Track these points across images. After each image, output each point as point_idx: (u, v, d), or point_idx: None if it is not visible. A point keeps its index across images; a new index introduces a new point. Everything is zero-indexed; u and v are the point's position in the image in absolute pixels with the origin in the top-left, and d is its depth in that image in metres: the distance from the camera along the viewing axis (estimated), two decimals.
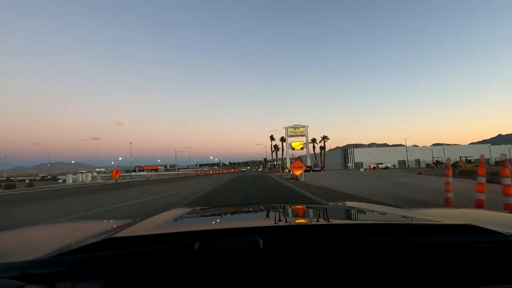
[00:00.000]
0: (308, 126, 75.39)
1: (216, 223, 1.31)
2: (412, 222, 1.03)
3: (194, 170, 65.24)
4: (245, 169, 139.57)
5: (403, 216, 1.18)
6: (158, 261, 0.71)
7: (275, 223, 1.13)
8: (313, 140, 79.27)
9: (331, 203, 1.71)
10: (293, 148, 74.37)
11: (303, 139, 75.56)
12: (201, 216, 1.44)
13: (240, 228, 0.96)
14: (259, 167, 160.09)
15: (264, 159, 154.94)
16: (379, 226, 0.94)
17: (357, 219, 1.26)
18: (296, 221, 1.26)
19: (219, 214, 1.50)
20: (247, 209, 1.75)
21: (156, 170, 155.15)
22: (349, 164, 76.05)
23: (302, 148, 74.25)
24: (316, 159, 75.98)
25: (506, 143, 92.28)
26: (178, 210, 1.51)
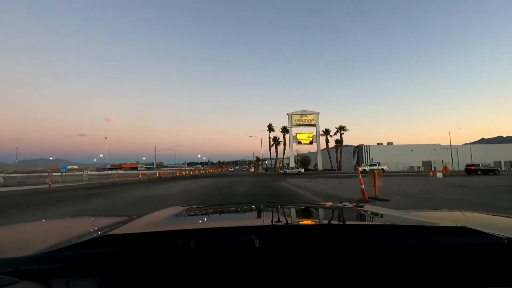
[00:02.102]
0: (319, 113, 57.07)
1: (212, 221, 1.30)
2: (407, 224, 1.04)
3: (159, 171, 44.78)
4: (233, 169, 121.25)
5: (399, 218, 1.19)
6: (153, 259, 0.71)
7: (272, 222, 1.13)
8: (326, 132, 56.08)
9: (328, 204, 1.69)
10: (299, 142, 55.89)
11: (313, 130, 57.05)
12: (198, 214, 1.42)
13: (236, 227, 0.96)
14: (250, 167, 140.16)
15: (256, 157, 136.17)
16: (375, 227, 0.96)
17: (354, 220, 1.26)
18: (292, 221, 1.25)
19: (216, 213, 1.50)
20: (243, 208, 1.74)
21: (135, 168, 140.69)
22: (363, 165, 56.91)
23: (311, 142, 55.84)
24: (330, 157, 57.91)
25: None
26: (175, 208, 1.48)
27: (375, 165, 42.50)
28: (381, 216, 1.24)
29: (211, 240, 0.73)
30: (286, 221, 1.23)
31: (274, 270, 0.70)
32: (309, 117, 55.86)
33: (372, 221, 1.20)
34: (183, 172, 51.18)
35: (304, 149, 74.14)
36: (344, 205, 1.57)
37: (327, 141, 55.71)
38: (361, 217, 1.29)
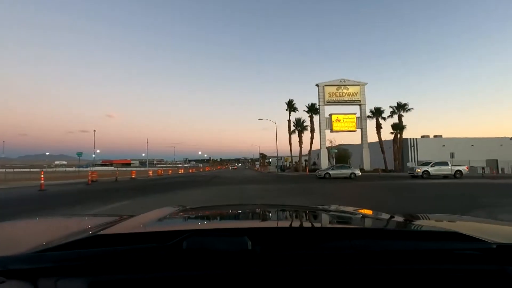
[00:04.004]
0: (366, 84, 38.01)
1: (205, 223, 1.30)
2: (398, 228, 1.08)
3: (92, 170, 25.98)
4: (236, 167, 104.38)
5: (391, 222, 1.20)
6: (144, 260, 0.70)
7: (265, 224, 1.15)
8: (377, 112, 35.69)
9: (320, 207, 1.68)
10: (333, 129, 36.93)
11: (356, 110, 37.49)
12: (190, 215, 1.42)
13: (229, 228, 0.96)
14: (253, 165, 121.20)
15: (261, 154, 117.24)
16: (367, 231, 0.98)
17: (346, 223, 1.26)
18: (286, 223, 1.26)
19: (209, 214, 1.50)
20: (237, 209, 1.72)
21: (128, 164, 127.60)
22: (409, 164, 37.50)
23: (351, 129, 37.02)
24: (383, 151, 34.89)
25: None
26: (167, 208, 1.45)
27: (446, 164, 23.33)
28: (373, 220, 1.27)
29: (204, 241, 0.72)
30: (280, 223, 1.23)
31: (267, 272, 0.70)
32: (351, 89, 36.84)
33: (364, 224, 1.20)
34: (157, 172, 32.72)
35: (341, 138, 53.89)
36: (338, 208, 1.57)
37: (378, 126, 36.52)
38: (354, 220, 1.29)
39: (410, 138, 44.65)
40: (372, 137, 37.70)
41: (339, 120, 36.57)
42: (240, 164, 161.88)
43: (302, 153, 39.81)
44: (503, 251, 0.74)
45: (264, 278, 0.69)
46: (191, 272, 0.69)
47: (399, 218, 1.24)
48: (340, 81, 36.79)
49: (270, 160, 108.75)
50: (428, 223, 1.25)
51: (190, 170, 47.53)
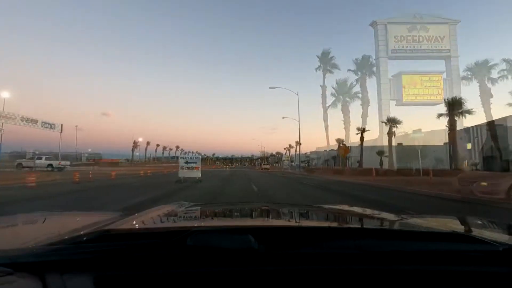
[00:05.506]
0: (458, 21, 22.96)
1: (209, 220, 1.32)
2: (404, 229, 1.09)
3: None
4: (234, 166, 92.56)
5: (396, 222, 1.21)
6: (149, 256, 0.72)
7: (269, 223, 1.17)
8: (482, 68, 19.21)
9: (326, 206, 1.72)
10: (405, 100, 22.18)
11: (440, 67, 22.63)
12: (195, 212, 1.45)
13: (234, 227, 0.97)
14: (253, 164, 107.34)
15: (262, 152, 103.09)
16: (372, 231, 0.99)
17: (351, 223, 1.29)
18: (290, 222, 1.28)
19: (213, 212, 1.52)
20: (241, 208, 1.75)
21: (117, 164, 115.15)
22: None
23: (435, 100, 21.88)
24: (495, 139, 23.59)
25: None
26: (172, 205, 1.50)
27: None
28: (378, 220, 1.28)
29: (208, 239, 0.73)
30: (284, 222, 1.25)
31: (271, 271, 0.71)
32: (432, 30, 21.89)
33: (369, 225, 1.22)
34: (88, 175, 17.24)
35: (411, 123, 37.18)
36: (342, 207, 1.56)
37: (485, 93, 21.15)
38: (359, 220, 1.32)
39: (471, 127, 29.21)
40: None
41: (413, 87, 21.23)
42: (237, 164, 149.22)
43: (316, 146, 24.49)
44: (510, 253, 0.73)
45: (267, 276, 0.70)
46: (195, 269, 0.70)
47: (405, 219, 1.22)
48: (415, 17, 21.45)
49: (269, 159, 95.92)
50: (434, 224, 1.24)
51: (166, 171, 32.00)
